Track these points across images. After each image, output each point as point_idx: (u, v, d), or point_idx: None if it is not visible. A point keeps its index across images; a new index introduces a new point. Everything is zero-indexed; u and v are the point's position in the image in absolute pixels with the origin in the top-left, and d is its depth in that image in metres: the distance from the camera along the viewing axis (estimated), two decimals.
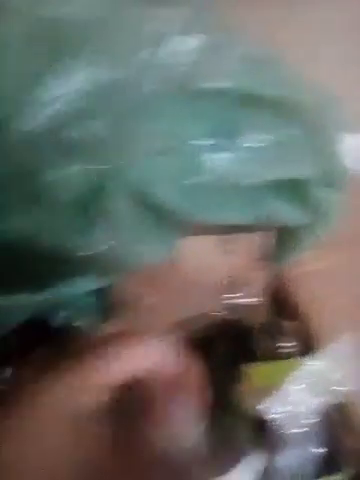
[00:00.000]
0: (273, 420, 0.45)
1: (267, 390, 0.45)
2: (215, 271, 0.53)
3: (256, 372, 0.45)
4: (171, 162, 0.38)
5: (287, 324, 0.51)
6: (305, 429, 0.44)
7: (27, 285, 0.40)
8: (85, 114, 0.33)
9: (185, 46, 0.36)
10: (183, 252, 0.50)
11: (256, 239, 0.51)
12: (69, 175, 0.32)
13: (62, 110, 0.32)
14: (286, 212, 0.46)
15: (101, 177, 0.34)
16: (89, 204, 0.35)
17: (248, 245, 0.52)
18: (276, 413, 0.45)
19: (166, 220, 0.40)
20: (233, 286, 0.53)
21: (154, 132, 0.37)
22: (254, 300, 0.54)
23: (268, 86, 0.41)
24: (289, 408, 0.45)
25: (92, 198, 0.34)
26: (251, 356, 0.49)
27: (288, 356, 0.50)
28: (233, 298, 0.54)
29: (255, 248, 0.52)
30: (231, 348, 0.54)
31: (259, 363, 0.47)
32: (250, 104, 0.40)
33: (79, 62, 0.33)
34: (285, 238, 0.52)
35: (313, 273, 0.57)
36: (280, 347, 0.50)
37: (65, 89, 0.32)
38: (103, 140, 0.33)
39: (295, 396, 0.45)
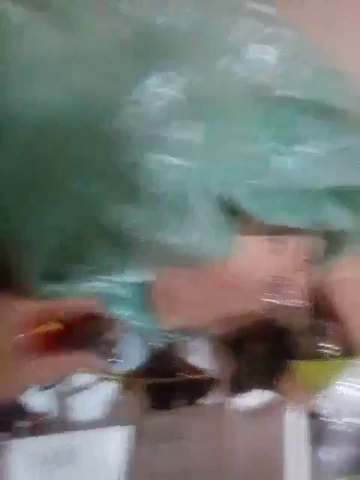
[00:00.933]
0: (321, 415, 0.47)
1: (316, 387, 0.47)
2: (262, 271, 0.54)
3: (304, 369, 0.47)
4: (244, 164, 0.41)
5: (328, 326, 0.53)
6: (352, 426, 0.46)
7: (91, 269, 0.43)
8: (178, 116, 0.35)
9: (263, 56, 0.39)
10: (233, 250, 0.52)
11: (303, 242, 0.53)
12: (162, 171, 0.35)
13: (157, 111, 0.34)
14: (340, 218, 0.48)
15: (190, 174, 0.37)
16: (178, 198, 0.37)
17: (295, 247, 0.53)
18: (325, 409, 0.47)
19: (235, 218, 0.42)
20: (278, 287, 0.55)
21: (234, 136, 0.39)
22: (297, 302, 0.56)
23: (334, 97, 0.43)
24: (337, 405, 0.47)
25: (181, 193, 0.37)
26: (292, 355, 0.51)
27: (328, 357, 0.52)
28: (277, 298, 0.56)
29: (302, 251, 0.54)
30: (272, 346, 0.56)
31: (307, 361, 0.49)
32: (316, 113, 0.42)
33: (173, 67, 0.35)
34: (332, 243, 0.54)
35: (354, 278, 0.59)
36: (321, 347, 0.52)
37: (161, 92, 0.34)
38: (193, 140, 0.36)
39: (343, 394, 0.47)
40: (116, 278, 0.44)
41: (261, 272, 0.54)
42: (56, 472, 0.47)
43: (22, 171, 0.38)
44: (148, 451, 0.49)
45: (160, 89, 0.34)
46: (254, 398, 0.47)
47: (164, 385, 0.56)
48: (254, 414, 0.46)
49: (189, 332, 0.59)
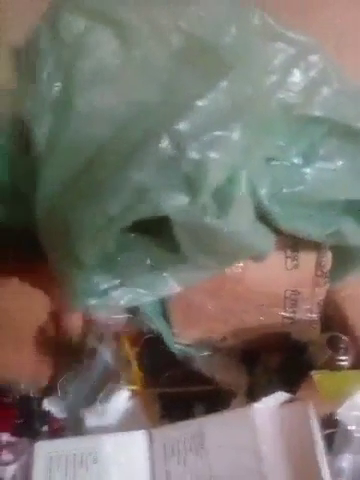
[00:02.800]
0: (341, 423, 0.48)
1: (336, 396, 0.48)
2: (277, 285, 0.56)
3: (323, 379, 0.48)
4: (272, 171, 0.45)
5: (342, 338, 0.54)
6: None
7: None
8: (228, 119, 0.40)
9: (296, 78, 0.43)
10: (248, 263, 0.54)
11: (318, 258, 0.55)
12: (213, 165, 0.39)
13: (210, 114, 0.39)
14: (355, 233, 0.50)
15: (236, 171, 0.41)
16: (225, 191, 0.41)
17: (310, 263, 0.55)
18: (344, 417, 0.48)
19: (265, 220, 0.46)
20: (293, 301, 0.57)
21: (267, 143, 0.44)
22: (312, 315, 0.58)
23: (354, 119, 0.46)
24: (358, 413, 0.48)
25: (228, 186, 0.41)
26: (307, 367, 0.52)
27: (344, 368, 0.53)
28: (292, 312, 0.57)
29: (317, 265, 0.55)
30: (288, 358, 0.57)
31: (326, 371, 0.50)
32: (342, 134, 0.46)
33: (226, 77, 0.40)
34: (344, 259, 0.55)
35: None
36: (336, 360, 0.53)
37: (212, 97, 0.39)
38: (240, 141, 0.40)
39: None
40: (152, 290, 0.46)
41: (276, 286, 0.56)
42: (78, 474, 0.48)
43: (82, 160, 0.41)
44: (170, 459, 0.49)
45: (209, 98, 0.39)
46: (275, 400, 0.48)
47: (181, 395, 0.57)
48: (277, 416, 0.47)
49: (206, 344, 0.60)
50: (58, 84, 0.42)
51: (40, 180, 0.42)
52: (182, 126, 0.38)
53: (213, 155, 0.39)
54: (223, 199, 0.42)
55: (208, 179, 0.39)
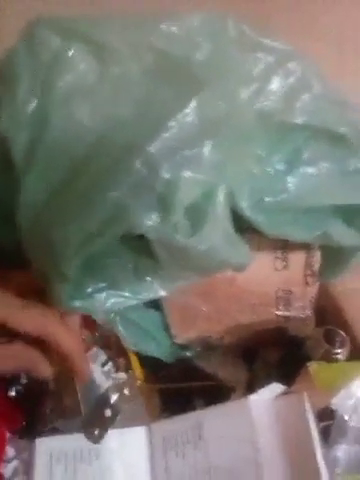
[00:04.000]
0: (337, 413, 0.50)
1: (332, 386, 0.50)
2: (269, 284, 0.58)
3: (320, 370, 0.50)
4: (252, 181, 0.46)
5: (337, 332, 0.56)
6: None
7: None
8: (200, 136, 0.40)
9: (276, 86, 0.43)
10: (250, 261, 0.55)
11: (308, 257, 0.57)
12: (186, 183, 0.40)
13: (182, 133, 0.40)
14: (345, 234, 0.51)
15: (210, 187, 0.42)
16: (199, 207, 0.42)
17: (300, 262, 0.56)
18: (340, 406, 0.49)
19: (245, 230, 0.47)
20: (286, 299, 0.59)
21: (248, 155, 0.44)
22: (305, 312, 0.60)
23: (336, 123, 0.47)
24: (353, 402, 0.50)
25: (202, 203, 0.42)
26: (305, 360, 0.54)
27: (339, 361, 0.55)
28: (286, 310, 0.59)
29: (306, 265, 0.57)
30: (286, 353, 0.60)
31: (322, 363, 0.52)
32: (325, 139, 0.47)
33: (198, 94, 0.40)
34: (335, 257, 0.56)
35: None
36: (332, 353, 0.55)
37: (184, 116, 0.40)
38: (213, 158, 0.40)
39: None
40: (136, 294, 0.47)
41: (268, 286, 0.58)
42: (79, 469, 0.50)
43: (59, 175, 0.42)
44: (168, 453, 0.51)
45: (184, 114, 0.40)
46: (271, 392, 0.49)
47: (181, 391, 0.60)
48: (273, 408, 0.49)
49: (203, 343, 0.62)
50: (34, 100, 0.42)
51: (21, 194, 0.43)
52: (154, 147, 0.39)
53: (185, 174, 0.40)
54: (197, 216, 0.42)
55: (179, 197, 0.40)
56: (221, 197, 0.43)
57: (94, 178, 0.41)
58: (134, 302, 0.48)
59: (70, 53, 0.43)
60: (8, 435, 0.51)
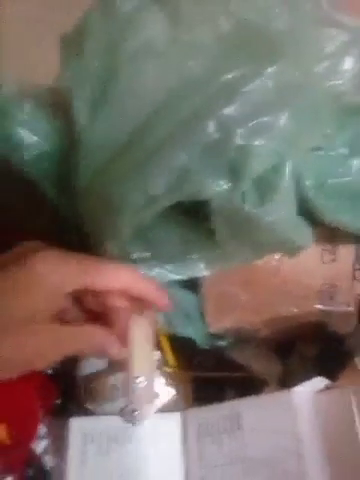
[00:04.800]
0: None
1: None
2: (313, 277, 0.56)
3: None
4: (320, 162, 0.44)
5: None
6: None
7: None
8: (277, 104, 0.39)
9: (348, 65, 0.42)
10: (284, 256, 0.54)
11: (358, 250, 0.55)
12: (258, 152, 0.38)
13: (259, 99, 0.38)
14: None
15: (280, 159, 0.40)
16: (268, 179, 0.40)
17: (349, 255, 0.55)
18: None
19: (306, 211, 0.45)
20: (329, 293, 0.57)
21: (318, 132, 0.43)
22: (348, 308, 0.58)
23: None
24: None
25: (270, 175, 0.40)
26: (345, 357, 0.53)
27: None
28: (328, 304, 0.58)
29: (356, 259, 0.56)
30: (324, 349, 0.58)
31: None
32: None
33: (277, 62, 0.39)
34: None
35: None
36: None
37: (262, 82, 0.38)
38: (287, 128, 0.39)
39: None
40: (179, 270, 0.46)
41: (312, 279, 0.56)
42: (112, 449, 0.49)
43: (124, 134, 0.41)
44: (203, 439, 0.50)
45: (261, 78, 0.39)
46: (315, 385, 0.48)
47: (213, 380, 0.58)
48: (316, 401, 0.47)
49: (238, 334, 0.61)
50: (103, 56, 0.42)
51: (82, 151, 0.42)
52: (229, 111, 0.38)
53: (258, 142, 0.39)
54: (265, 188, 0.41)
55: (251, 166, 0.39)
56: (289, 171, 0.41)
57: (160, 139, 0.39)
58: (176, 278, 0.47)
59: (144, 13, 0.42)
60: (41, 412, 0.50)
